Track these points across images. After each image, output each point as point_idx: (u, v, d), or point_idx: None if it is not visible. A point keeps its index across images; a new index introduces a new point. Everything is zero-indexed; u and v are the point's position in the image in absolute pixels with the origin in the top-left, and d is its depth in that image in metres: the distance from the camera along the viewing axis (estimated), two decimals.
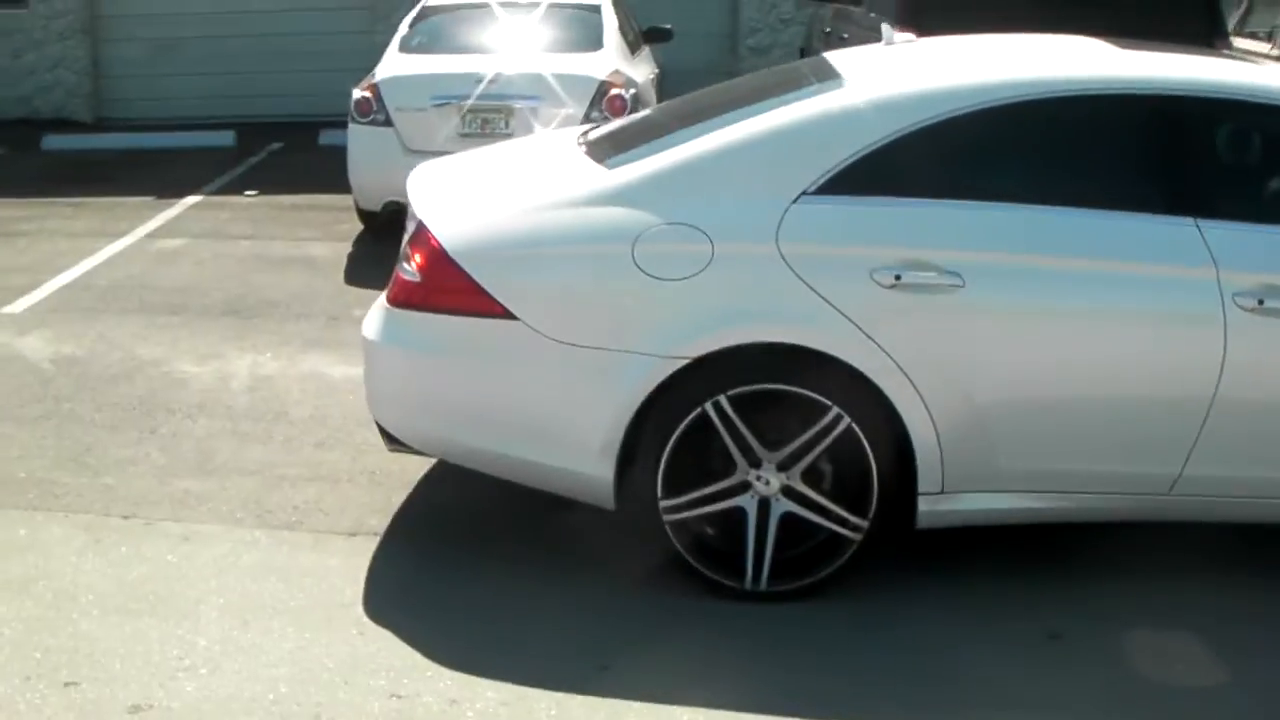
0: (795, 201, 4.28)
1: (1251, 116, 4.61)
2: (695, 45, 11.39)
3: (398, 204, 8.82)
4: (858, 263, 4.21)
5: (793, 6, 15.97)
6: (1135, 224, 4.33)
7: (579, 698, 3.82)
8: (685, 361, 4.20)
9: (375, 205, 9.10)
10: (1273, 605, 4.49)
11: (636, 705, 3.77)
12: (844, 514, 4.33)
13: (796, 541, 4.38)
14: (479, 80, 9.01)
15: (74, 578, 4.48)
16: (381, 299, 4.73)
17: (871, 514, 4.33)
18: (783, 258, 4.21)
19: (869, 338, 4.19)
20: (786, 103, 4.54)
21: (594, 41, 9.70)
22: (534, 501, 4.69)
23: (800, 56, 13.23)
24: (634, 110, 8.99)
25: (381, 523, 4.99)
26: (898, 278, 4.19)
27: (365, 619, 4.26)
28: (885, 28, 5.17)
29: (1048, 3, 8.19)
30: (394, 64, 9.32)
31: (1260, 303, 4.25)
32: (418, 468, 5.36)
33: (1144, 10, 8.42)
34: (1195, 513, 4.50)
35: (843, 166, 4.31)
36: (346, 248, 9.20)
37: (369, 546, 4.79)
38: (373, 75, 9.21)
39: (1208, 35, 8.52)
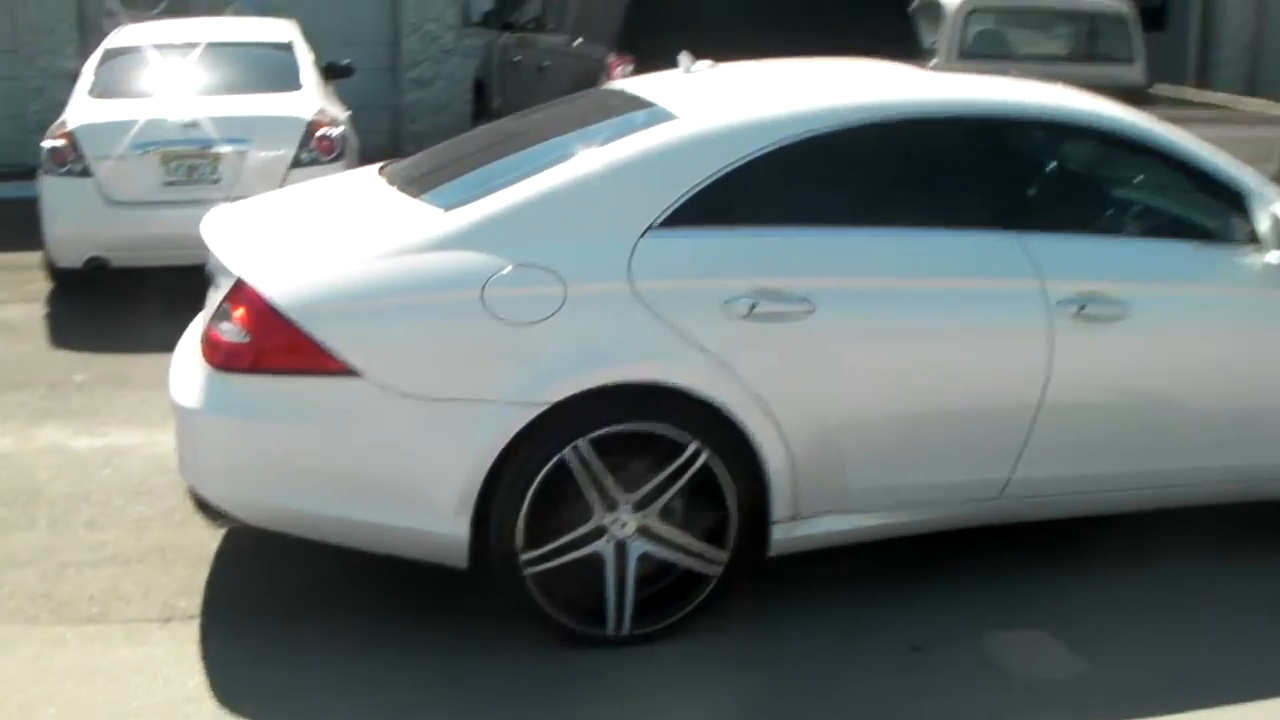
0: (642, 236, 4.23)
1: (1060, 134, 4.85)
2: (357, 80, 11.23)
3: (101, 260, 8.36)
4: (711, 295, 4.20)
5: (454, 38, 15.92)
6: (964, 240, 4.49)
7: None
8: (544, 407, 4.08)
9: (76, 262, 8.55)
10: (1115, 600, 4.68)
11: None
12: (702, 549, 4.31)
13: (657, 581, 4.30)
14: (181, 125, 8.61)
15: None
16: (190, 358, 4.41)
17: (730, 546, 4.30)
18: (635, 294, 4.16)
19: (726, 370, 4.19)
20: (616, 137, 4.45)
21: (292, 80, 9.41)
22: (346, 565, 4.53)
23: (478, 87, 13.23)
24: (342, 150, 8.78)
25: (193, 604, 4.66)
26: (752, 307, 4.20)
27: (222, 712, 3.94)
28: (682, 57, 5.15)
29: (762, 27, 8.48)
30: (87, 110, 8.77)
31: (1081, 308, 4.46)
32: (208, 541, 5.05)
33: (848, 27, 8.78)
34: (1025, 513, 4.71)
35: (686, 199, 4.30)
36: (41, 308, 8.61)
37: (190, 632, 4.46)
38: (64, 123, 8.63)
39: (907, 52, 8.95)
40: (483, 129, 6.19)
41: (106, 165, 8.52)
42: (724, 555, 4.33)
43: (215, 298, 4.54)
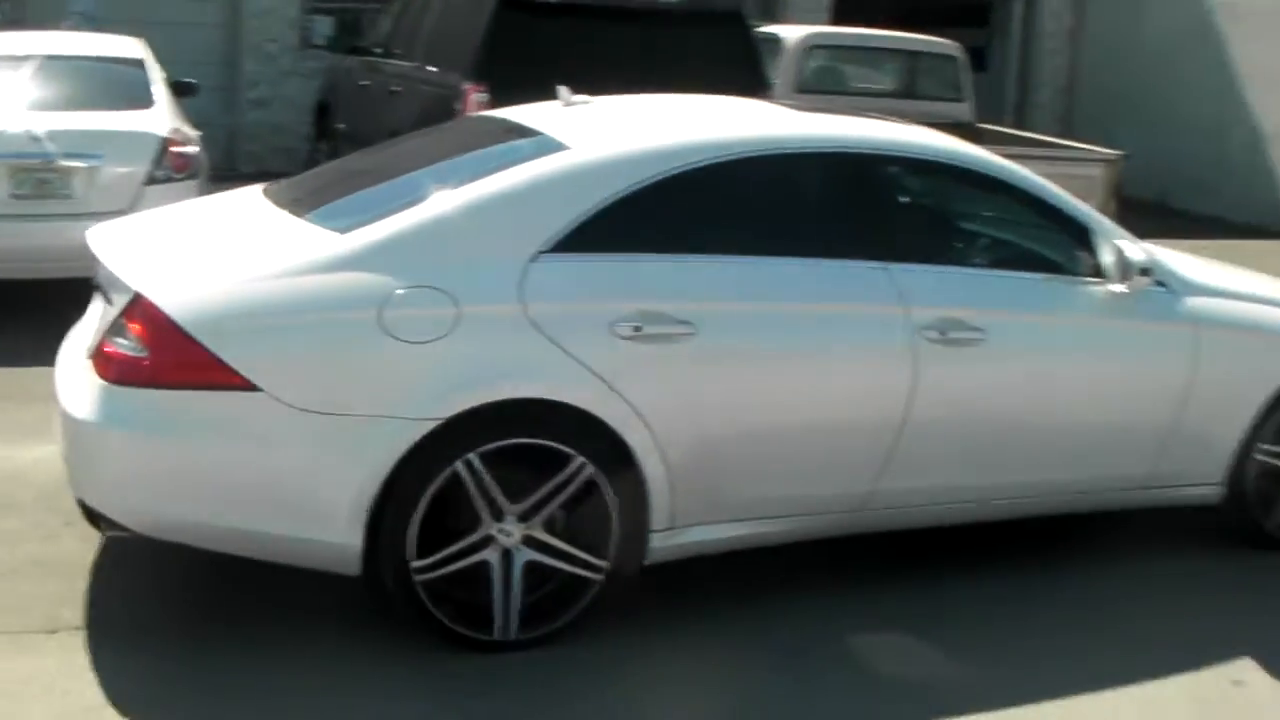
0: (533, 261, 4.43)
1: (923, 171, 5.21)
2: (194, 98, 11.23)
3: None
4: (598, 317, 4.42)
5: (293, 59, 15.95)
6: (836, 269, 4.80)
7: None
8: (437, 422, 4.25)
9: None
10: (969, 604, 5.02)
11: None
12: (585, 557, 4.52)
13: (542, 588, 4.49)
14: (30, 138, 8.54)
15: None
16: (79, 371, 4.49)
17: (612, 555, 4.52)
18: (527, 316, 4.36)
19: (611, 388, 4.41)
20: (506, 164, 4.66)
21: (144, 97, 9.39)
22: (226, 572, 4.67)
23: (321, 110, 13.28)
24: (196, 169, 8.83)
25: (76, 615, 4.69)
26: (637, 329, 4.43)
27: None
28: (561, 90, 5.39)
29: (615, 60, 8.75)
30: None
31: (942, 333, 4.79)
32: (84, 553, 5.11)
33: (699, 64, 9.12)
34: (887, 523, 5.04)
35: (576, 225, 4.52)
36: None
37: (77, 643, 4.49)
38: None
39: (754, 87, 9.32)
40: (362, 152, 6.32)
41: None
42: (606, 563, 4.53)
43: (104, 311, 4.61)
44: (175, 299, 4.26)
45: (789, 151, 5.05)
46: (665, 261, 4.60)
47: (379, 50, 11.84)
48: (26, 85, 9.25)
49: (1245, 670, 4.66)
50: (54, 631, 4.58)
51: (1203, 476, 5.60)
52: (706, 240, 4.74)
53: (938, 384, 4.85)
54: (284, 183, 5.48)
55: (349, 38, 15.12)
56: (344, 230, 4.48)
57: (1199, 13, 18.25)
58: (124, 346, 4.30)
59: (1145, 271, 5.19)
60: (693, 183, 4.71)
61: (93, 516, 4.53)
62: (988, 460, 5.09)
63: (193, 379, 4.20)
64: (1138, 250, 5.23)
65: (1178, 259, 5.70)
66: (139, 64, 9.85)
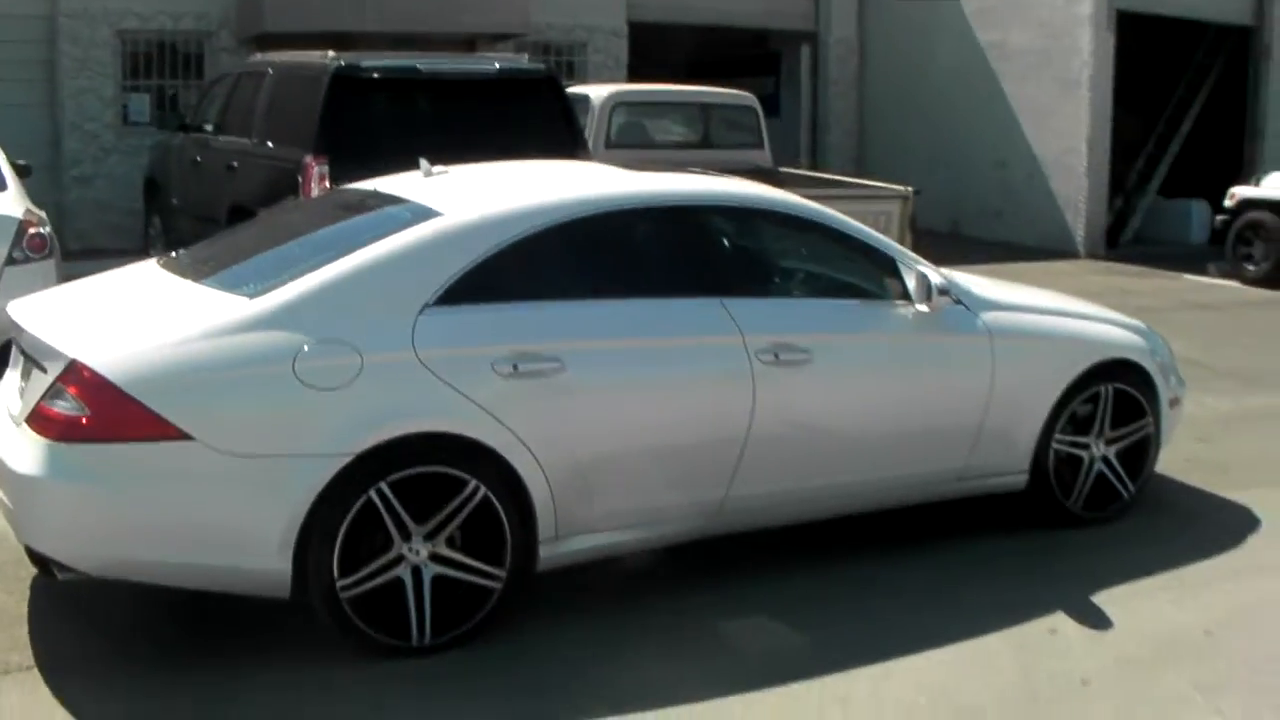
0: (420, 314, 5.10)
1: (749, 216, 6.03)
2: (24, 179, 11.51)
3: None
4: (481, 359, 5.10)
5: (114, 137, 16.28)
6: (680, 307, 5.57)
7: None
8: (350, 457, 4.88)
9: None
10: (819, 591, 5.82)
11: None
12: (484, 568, 5.17)
13: (450, 597, 5.14)
14: None
15: None
16: (19, 434, 4.98)
17: (507, 564, 5.19)
18: (420, 361, 5.02)
19: (496, 420, 5.09)
20: (389, 230, 5.33)
21: None
22: (162, 604, 5.30)
23: (150, 186, 13.66)
24: (51, 247, 9.24)
25: (25, 658, 5.11)
26: (515, 367, 5.13)
27: None
28: (423, 162, 6.06)
29: (442, 128, 9.44)
30: None
31: (776, 356, 5.58)
32: (15, 602, 5.58)
33: (521, 127, 9.87)
34: (741, 525, 5.79)
35: (454, 280, 5.19)
36: None
37: (34, 681, 4.92)
38: None
39: (571, 147, 10.09)
40: (245, 224, 6.88)
41: None
42: (503, 572, 5.19)
43: (29, 376, 5.12)
44: (110, 361, 4.80)
45: (631, 207, 5.80)
46: (534, 308, 5.31)
47: (210, 128, 12.26)
48: None
49: (1058, 621, 5.50)
50: (7, 673, 5.00)
51: (1010, 467, 6.47)
52: (567, 287, 5.46)
53: (774, 401, 5.63)
54: (178, 254, 6.06)
55: (167, 116, 15.53)
56: (252, 295, 5.08)
57: (972, 54, 19.66)
58: (63, 407, 4.82)
59: (944, 292, 6.06)
60: (550, 238, 5.43)
61: (41, 562, 5.03)
62: (822, 464, 5.88)
63: (131, 433, 4.75)
64: (936, 275, 6.10)
65: (971, 280, 6.61)
66: None
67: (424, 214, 5.43)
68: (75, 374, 4.82)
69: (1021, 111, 19.22)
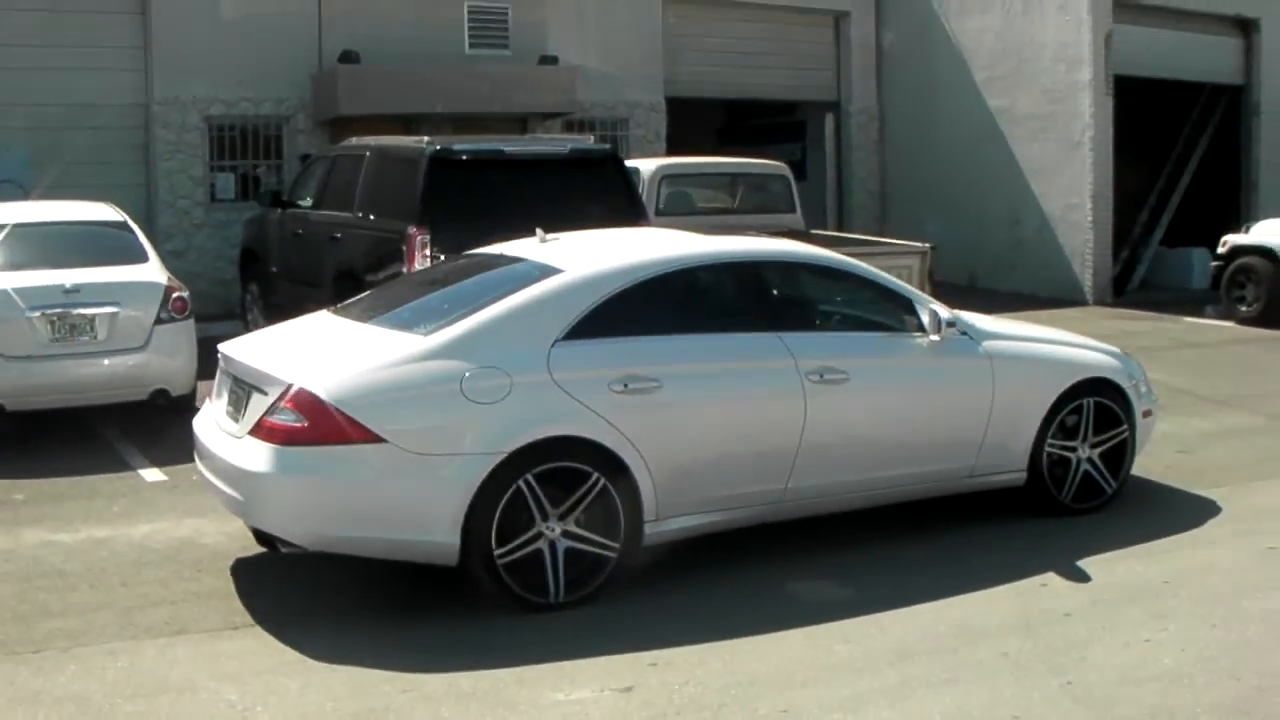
0: (553, 346, 6.71)
1: (799, 269, 7.67)
2: None
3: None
4: (599, 380, 6.69)
5: (204, 213, 17.97)
6: (747, 339, 7.17)
7: (501, 670, 5.94)
8: (504, 455, 6.45)
9: None
10: (859, 563, 7.41)
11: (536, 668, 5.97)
12: (604, 541, 6.73)
13: (577, 565, 6.71)
14: (63, 291, 10.43)
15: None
16: (244, 443, 6.55)
17: (621, 539, 6.76)
18: (554, 381, 6.62)
19: (612, 426, 6.67)
20: (524, 283, 6.95)
21: (139, 254, 11.38)
22: (352, 572, 6.81)
23: (246, 256, 15.33)
24: (190, 310, 10.86)
25: (245, 619, 6.64)
26: (625, 385, 6.73)
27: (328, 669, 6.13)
28: (539, 231, 7.68)
29: (522, 200, 11.06)
30: None
31: (821, 377, 7.18)
32: (224, 581, 7.11)
33: (589, 198, 11.50)
34: (798, 512, 7.34)
35: (577, 321, 6.79)
36: None
37: (257, 632, 6.45)
38: None
39: (633, 215, 11.71)
40: (393, 283, 8.56)
41: (3, 326, 10.25)
42: (618, 545, 6.76)
43: (242, 398, 6.72)
44: (322, 385, 6.41)
45: (707, 263, 7.44)
46: (637, 341, 6.90)
47: (307, 204, 13.94)
48: (43, 248, 11.16)
49: (1049, 578, 7.01)
50: (236, 628, 6.58)
51: (1011, 466, 8.01)
52: (661, 325, 7.06)
53: (821, 412, 7.20)
54: (347, 304, 7.71)
55: (263, 193, 17.24)
56: (426, 333, 6.70)
57: (983, 118, 21.29)
58: (285, 420, 6.42)
59: (952, 324, 7.66)
60: (648, 288, 7.04)
61: (267, 541, 6.64)
62: (860, 463, 7.45)
63: (339, 438, 6.33)
64: (946, 311, 7.71)
65: (974, 316, 8.21)
66: (124, 225, 11.87)
67: (549, 271, 7.06)
68: (295, 395, 6.41)
69: (1030, 171, 20.79)
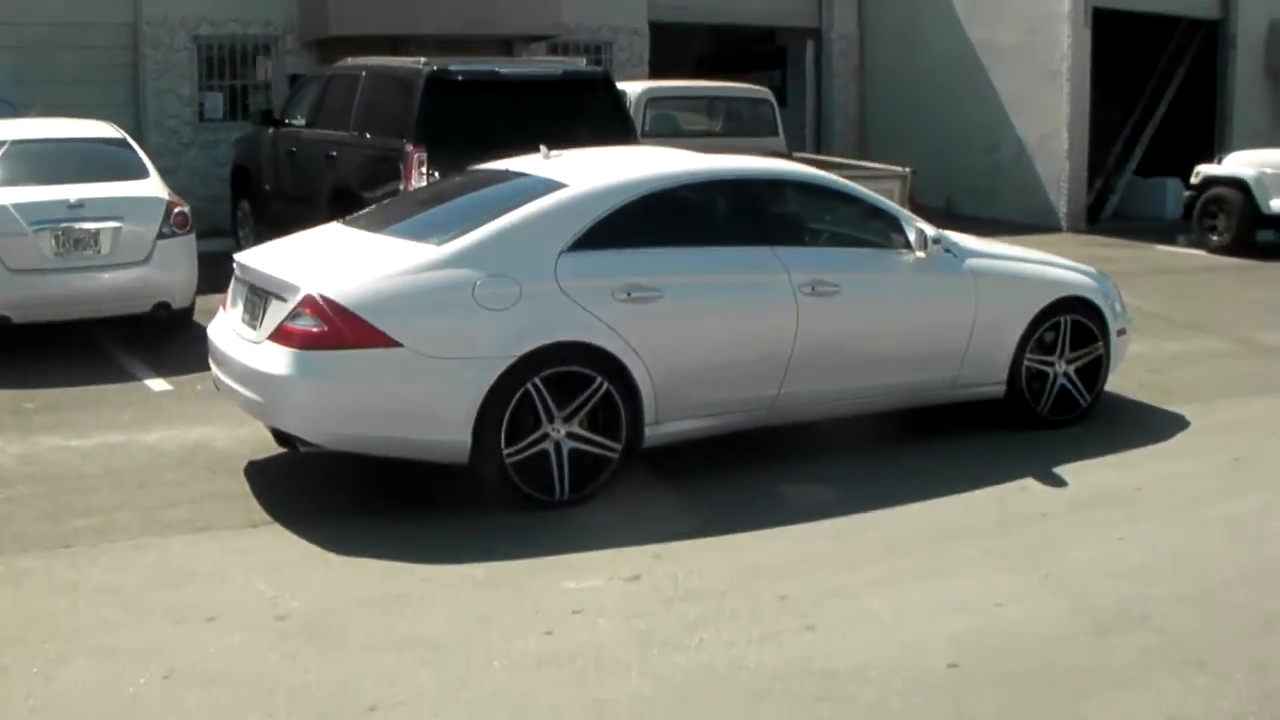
0: (560, 256, 7.01)
1: (790, 187, 8.00)
2: None
3: (4, 318, 10.42)
4: (604, 289, 7.00)
5: (192, 132, 18.14)
6: (743, 253, 7.49)
7: (512, 561, 6.31)
8: (513, 359, 6.77)
9: None
10: (847, 466, 7.79)
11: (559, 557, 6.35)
12: (606, 442, 7.07)
13: (581, 464, 7.06)
14: (67, 206, 10.67)
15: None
16: (264, 348, 6.84)
17: (623, 440, 7.11)
18: (561, 290, 6.93)
19: (615, 333, 6.99)
20: (531, 196, 7.25)
21: (140, 170, 11.58)
22: (362, 474, 7.16)
23: (238, 173, 15.57)
24: (191, 224, 11.12)
25: (262, 517, 6.95)
26: (628, 294, 7.05)
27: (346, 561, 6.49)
28: (542, 148, 7.97)
29: (517, 120, 11.35)
30: None
31: (813, 289, 7.52)
32: (238, 484, 7.43)
33: (583, 119, 11.79)
34: (789, 417, 7.70)
35: (582, 233, 7.09)
36: None
37: (275, 529, 6.76)
38: None
39: (624, 135, 12.00)
40: (407, 194, 8.84)
41: (7, 241, 10.50)
42: (619, 446, 7.10)
43: (260, 304, 7.00)
44: (340, 291, 6.69)
45: (704, 180, 7.75)
46: (639, 253, 7.21)
47: (300, 123, 14.18)
48: (46, 165, 11.38)
49: (1027, 483, 7.39)
50: (255, 526, 6.91)
51: (991, 379, 8.37)
52: (662, 238, 7.36)
53: (812, 322, 7.53)
54: (356, 216, 8.01)
55: (240, 114, 17.45)
56: (439, 243, 7.00)
57: (964, 48, 21.58)
58: (304, 324, 6.70)
59: (937, 242, 7.99)
60: (648, 203, 7.33)
61: (286, 440, 6.98)
62: (849, 372, 7.80)
63: (357, 342, 6.63)
64: (931, 229, 8.04)
65: (959, 235, 8.55)
66: (124, 143, 12.09)
67: (555, 185, 7.36)
68: (314, 301, 6.71)
69: (1008, 100, 21.12)
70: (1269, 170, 17.59)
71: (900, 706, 4.74)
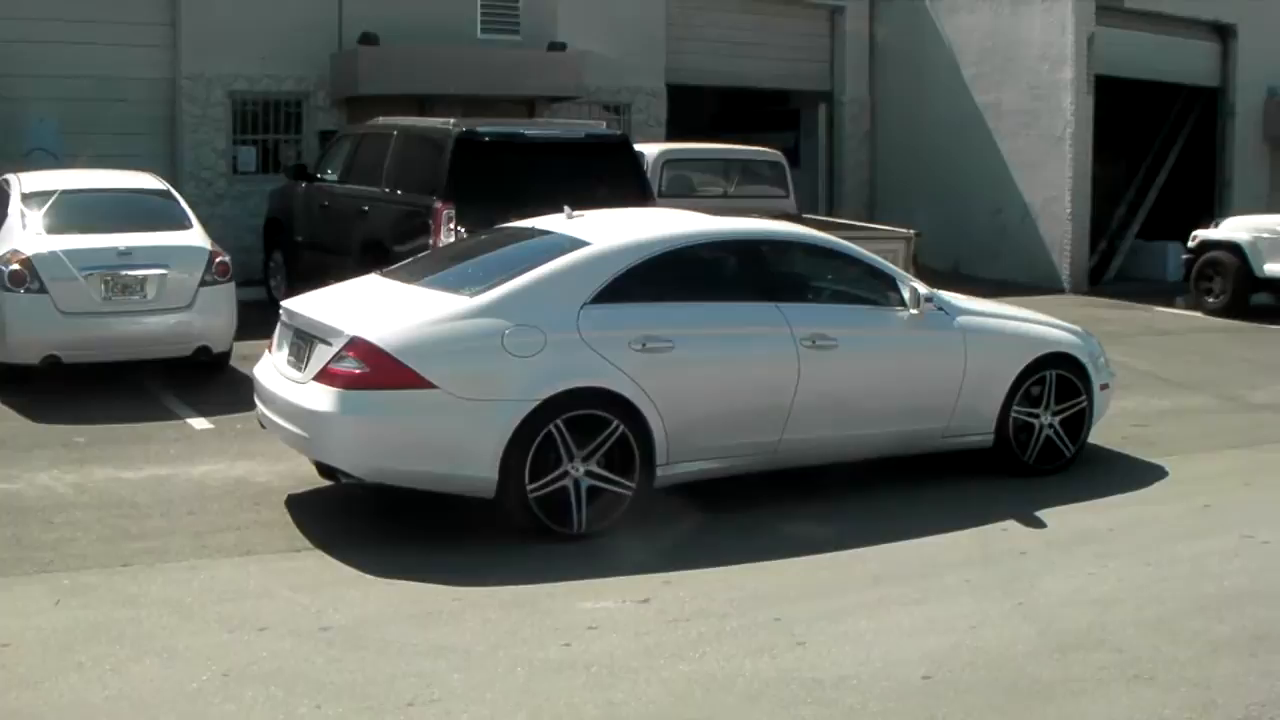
0: (582, 308, 7.68)
1: (795, 248, 8.67)
2: None
3: (55, 357, 11.09)
4: (621, 339, 7.64)
5: (226, 184, 18.85)
6: (749, 308, 8.14)
7: (534, 585, 6.90)
8: (538, 402, 7.40)
9: (34, 359, 11.12)
10: (849, 503, 8.38)
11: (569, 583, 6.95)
12: (621, 480, 7.69)
13: (597, 501, 7.69)
14: (116, 254, 11.35)
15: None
16: (309, 387, 7.49)
17: (636, 479, 7.74)
18: (583, 339, 7.58)
19: (631, 380, 7.63)
20: (556, 253, 7.92)
21: (184, 220, 12.30)
22: (395, 506, 7.75)
23: (270, 226, 16.27)
24: (232, 273, 11.81)
25: (304, 544, 7.56)
26: (643, 345, 7.71)
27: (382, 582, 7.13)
28: (566, 208, 8.66)
29: (540, 180, 12.03)
30: (37, 241, 11.31)
31: (813, 343, 8.17)
32: (280, 515, 8.05)
33: (603, 180, 12.45)
34: (790, 462, 8.32)
35: (602, 288, 7.74)
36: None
37: (317, 554, 7.38)
38: (18, 250, 11.17)
39: (641, 197, 12.68)
40: (441, 249, 9.54)
41: (59, 285, 11.15)
42: (633, 484, 7.73)
43: (304, 349, 7.62)
44: (382, 336, 7.37)
45: (715, 240, 8.43)
46: (654, 307, 7.86)
47: (333, 178, 14.90)
48: (95, 214, 12.05)
49: (1009, 524, 7.99)
50: (298, 550, 7.54)
51: (980, 429, 8.99)
52: (676, 293, 8.02)
53: (812, 374, 8.17)
54: (394, 268, 8.70)
55: (273, 167, 18.17)
56: (472, 295, 7.67)
57: (969, 112, 22.28)
58: (347, 366, 7.37)
59: (930, 300, 8.65)
60: (664, 260, 7.99)
61: (327, 471, 7.63)
62: (846, 420, 8.42)
63: (396, 383, 7.27)
64: (924, 288, 8.70)
65: (950, 294, 9.21)
66: (168, 194, 12.81)
67: (578, 243, 8.03)
68: (357, 345, 7.37)
69: (1013, 164, 21.79)
70: (1264, 235, 18.21)
71: (878, 709, 5.34)
